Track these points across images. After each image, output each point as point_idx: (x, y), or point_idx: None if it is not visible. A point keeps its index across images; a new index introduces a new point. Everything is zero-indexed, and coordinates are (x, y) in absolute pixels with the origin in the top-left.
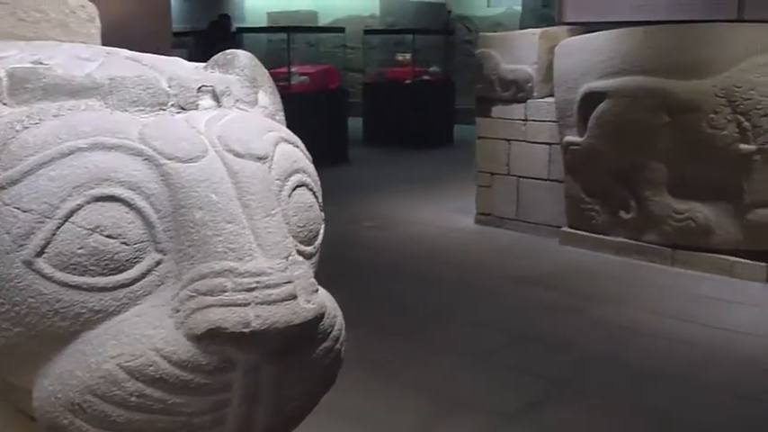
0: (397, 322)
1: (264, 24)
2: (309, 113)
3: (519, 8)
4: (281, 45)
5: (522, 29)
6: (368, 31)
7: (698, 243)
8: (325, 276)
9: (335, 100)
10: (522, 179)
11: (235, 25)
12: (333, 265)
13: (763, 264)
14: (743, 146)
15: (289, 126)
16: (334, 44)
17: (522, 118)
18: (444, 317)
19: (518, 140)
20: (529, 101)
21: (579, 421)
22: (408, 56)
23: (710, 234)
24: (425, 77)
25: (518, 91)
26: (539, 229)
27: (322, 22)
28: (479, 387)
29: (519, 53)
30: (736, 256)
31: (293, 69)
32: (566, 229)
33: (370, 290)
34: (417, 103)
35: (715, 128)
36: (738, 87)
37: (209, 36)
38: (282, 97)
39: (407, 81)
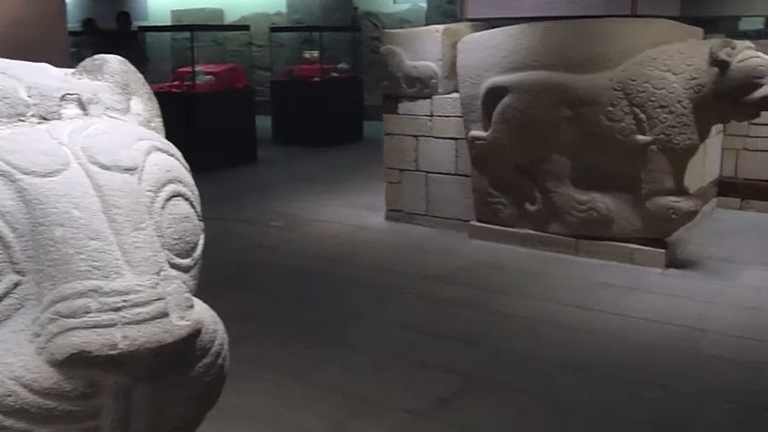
0: (306, 323)
1: (168, 23)
2: (216, 113)
3: (424, 5)
4: (187, 44)
5: (427, 25)
6: (274, 29)
7: (600, 232)
8: (231, 278)
9: (242, 99)
10: (430, 175)
11: (135, 24)
12: (239, 267)
13: (661, 250)
14: (639, 137)
15: (196, 126)
16: (242, 42)
17: (428, 114)
18: (355, 316)
19: (425, 136)
20: (434, 97)
21: (489, 415)
22: (316, 53)
23: (611, 223)
24: (333, 75)
25: (423, 87)
26: (448, 223)
27: (228, 19)
28: (391, 385)
29: (423, 50)
30: (636, 244)
31: (198, 69)
32: (474, 222)
33: (278, 291)
34: (326, 100)
35: (613, 120)
36: (633, 80)
37: (98, 35)
38: (188, 97)
39: (315, 79)
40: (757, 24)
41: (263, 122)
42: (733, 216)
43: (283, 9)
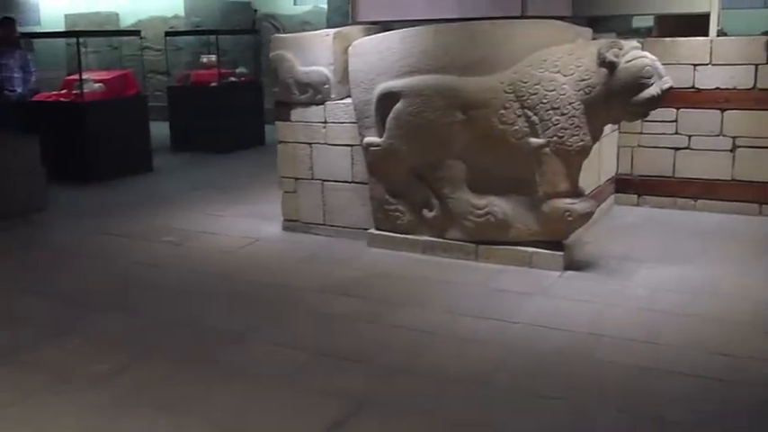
0: (189, 348)
1: (62, 28)
2: (106, 122)
3: (325, 6)
4: (82, 50)
5: (329, 27)
6: (169, 33)
7: (498, 237)
8: (112, 300)
9: (134, 106)
10: (326, 183)
11: (19, 30)
12: (123, 288)
13: (559, 253)
14: (532, 140)
15: (85, 136)
16: (138, 47)
17: (322, 121)
18: (242, 337)
19: (319, 143)
20: (327, 103)
21: None
22: (213, 57)
23: (509, 227)
24: (232, 79)
25: (315, 93)
26: (347, 232)
27: (124, 23)
28: (277, 414)
29: (314, 54)
30: (534, 247)
31: (87, 76)
32: (373, 231)
33: (163, 313)
34: (225, 105)
35: (506, 123)
36: (524, 83)
37: None
38: (76, 106)
39: (213, 84)
40: (649, 21)
41: (163, 130)
42: (630, 212)
43: (181, 12)
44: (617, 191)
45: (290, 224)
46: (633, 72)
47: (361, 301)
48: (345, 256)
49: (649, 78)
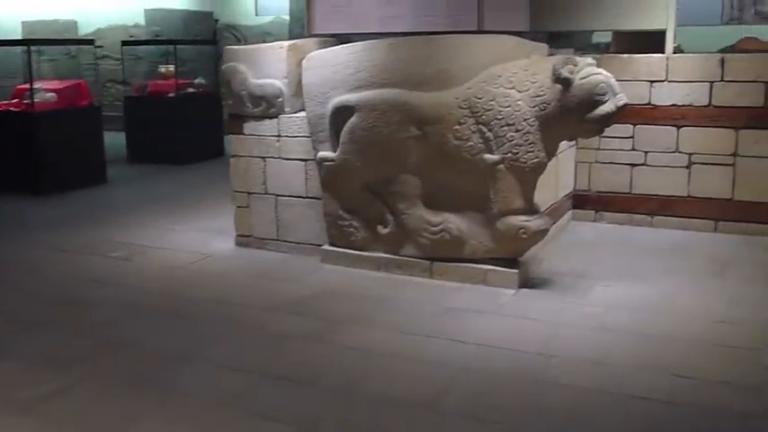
0: (132, 370)
1: (20, 35)
2: (58, 133)
3: (287, 17)
4: (38, 58)
5: (291, 38)
6: (126, 42)
7: (453, 254)
8: (53, 320)
9: (87, 117)
10: (280, 198)
11: None
12: (66, 306)
13: (514, 271)
14: (487, 156)
15: (35, 148)
16: (97, 56)
17: (276, 134)
18: (186, 358)
19: (273, 158)
20: (281, 116)
21: None
22: (171, 68)
23: (464, 244)
24: (190, 90)
25: (269, 107)
26: (301, 248)
27: (83, 32)
28: None
29: (267, 67)
30: (489, 265)
31: (39, 86)
32: (327, 247)
33: (106, 333)
34: (182, 116)
35: (460, 139)
36: (479, 98)
37: None
38: (26, 116)
39: (170, 94)
40: (608, 37)
41: (121, 140)
42: (587, 228)
43: (142, 21)
44: (574, 207)
45: (243, 240)
46: (587, 89)
47: (311, 320)
48: (298, 272)
49: (604, 95)
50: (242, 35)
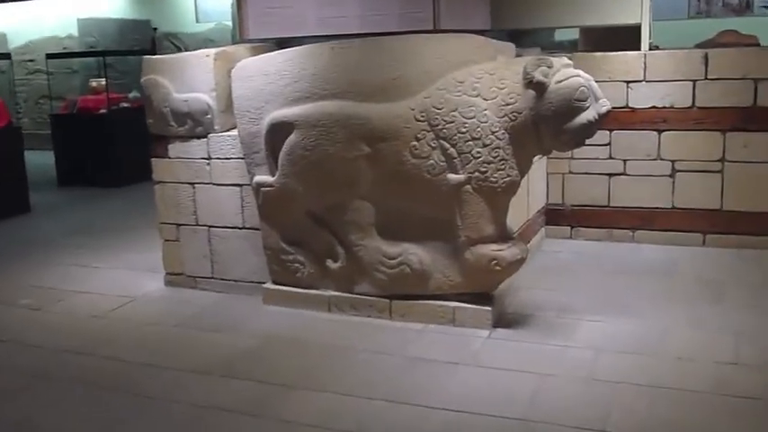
0: None
1: None
2: None
3: (229, 23)
4: None
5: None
6: (51, 55)
7: (415, 290)
8: None
9: (5, 139)
10: (213, 229)
11: None
12: None
13: (487, 308)
14: (451, 176)
15: None
16: (29, 70)
17: (205, 156)
18: None
19: (203, 183)
20: (210, 136)
21: None
22: (103, 81)
23: (427, 279)
24: (124, 105)
25: (196, 125)
26: (239, 287)
27: (13, 45)
28: None
29: (193, 79)
30: (457, 302)
31: None
32: (269, 285)
33: None
34: (115, 134)
35: (419, 157)
36: (439, 108)
37: None
38: None
39: (102, 110)
40: (572, 35)
41: (52, 161)
42: (563, 246)
43: (75, 32)
44: (547, 223)
45: (173, 278)
46: (565, 94)
47: (247, 383)
48: (235, 318)
49: (584, 101)
50: (182, 43)
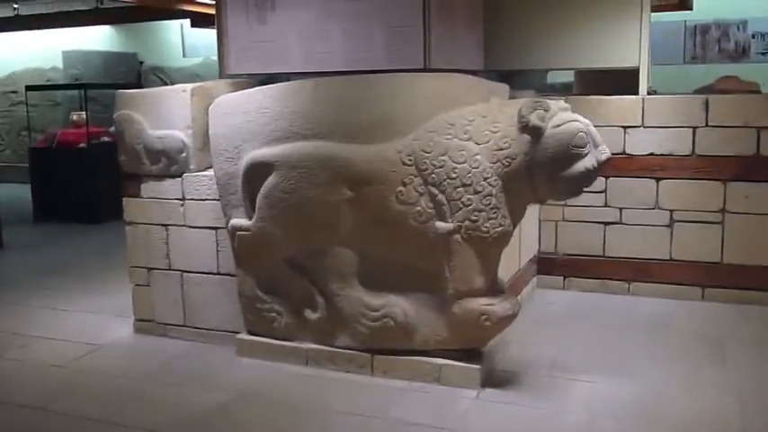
0: None
1: None
2: None
3: (216, 58)
4: None
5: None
6: (30, 87)
7: (399, 345)
8: None
9: None
10: (187, 274)
11: None
12: None
13: (476, 366)
14: (439, 224)
15: None
16: (12, 101)
17: (180, 197)
18: None
19: (177, 225)
20: (185, 175)
21: None
22: (84, 114)
23: (413, 333)
24: (105, 139)
25: (171, 163)
26: (212, 336)
27: None
28: None
29: (168, 115)
30: (444, 358)
31: None
32: (243, 336)
33: None
34: (94, 169)
35: (405, 203)
36: (427, 152)
37: None
38: None
39: (81, 144)
40: (565, 77)
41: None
42: (556, 297)
43: (59, 64)
44: (539, 272)
45: (143, 325)
46: (563, 139)
47: None
48: (206, 371)
49: (583, 147)
50: (168, 78)
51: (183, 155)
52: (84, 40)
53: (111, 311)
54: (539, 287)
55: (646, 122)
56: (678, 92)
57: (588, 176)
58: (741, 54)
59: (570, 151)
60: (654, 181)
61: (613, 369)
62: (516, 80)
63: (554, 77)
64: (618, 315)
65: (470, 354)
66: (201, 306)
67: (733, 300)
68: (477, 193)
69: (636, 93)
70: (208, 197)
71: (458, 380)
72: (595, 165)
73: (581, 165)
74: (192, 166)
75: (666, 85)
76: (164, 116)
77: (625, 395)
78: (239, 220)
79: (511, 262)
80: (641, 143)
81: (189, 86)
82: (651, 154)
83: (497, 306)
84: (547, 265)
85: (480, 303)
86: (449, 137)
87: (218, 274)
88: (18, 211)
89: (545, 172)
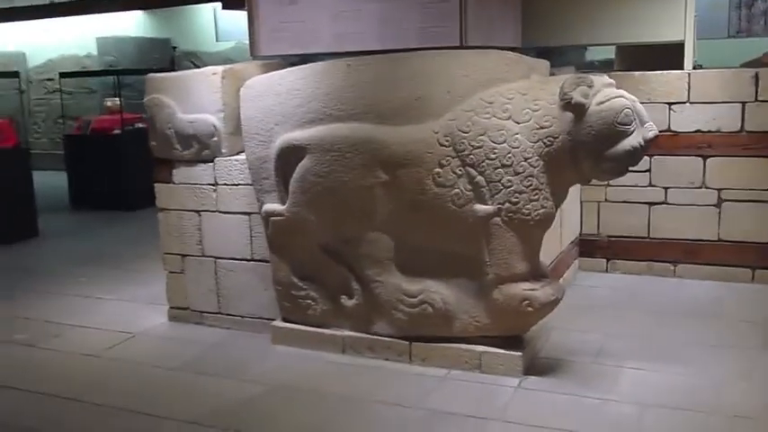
0: None
1: None
2: None
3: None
4: None
5: None
6: (64, 74)
7: (437, 332)
8: None
9: (12, 160)
10: (220, 261)
11: None
12: None
13: (518, 353)
14: (478, 206)
15: None
16: (48, 89)
17: (212, 182)
18: None
19: (210, 211)
20: (217, 160)
21: None
22: (118, 101)
23: (451, 320)
24: (139, 125)
25: (202, 148)
26: (247, 323)
27: (32, 63)
28: None
29: (199, 99)
30: (484, 345)
31: None
32: (278, 323)
33: None
34: (129, 156)
35: (442, 185)
36: (465, 132)
37: None
38: None
39: (116, 131)
40: (605, 54)
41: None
42: (599, 281)
43: (94, 51)
44: (581, 254)
45: (178, 313)
46: (607, 117)
47: None
48: (241, 360)
49: (628, 125)
50: (202, 62)
51: (215, 139)
52: (118, 27)
53: (146, 300)
54: (581, 270)
55: (692, 98)
56: (725, 66)
57: (634, 155)
58: None
59: (615, 129)
60: (701, 159)
61: (662, 356)
62: (554, 57)
63: (593, 54)
64: (664, 299)
65: (512, 341)
66: (236, 293)
67: None
68: (517, 174)
69: (680, 68)
70: (240, 182)
71: (499, 368)
72: (642, 143)
73: (626, 143)
74: (223, 151)
75: (711, 60)
76: (194, 100)
77: (675, 384)
78: (272, 205)
79: (552, 245)
80: (687, 120)
81: (219, 69)
82: (698, 131)
83: (540, 291)
84: (589, 247)
85: (522, 288)
86: (487, 116)
87: (252, 260)
88: (54, 198)
89: (589, 151)
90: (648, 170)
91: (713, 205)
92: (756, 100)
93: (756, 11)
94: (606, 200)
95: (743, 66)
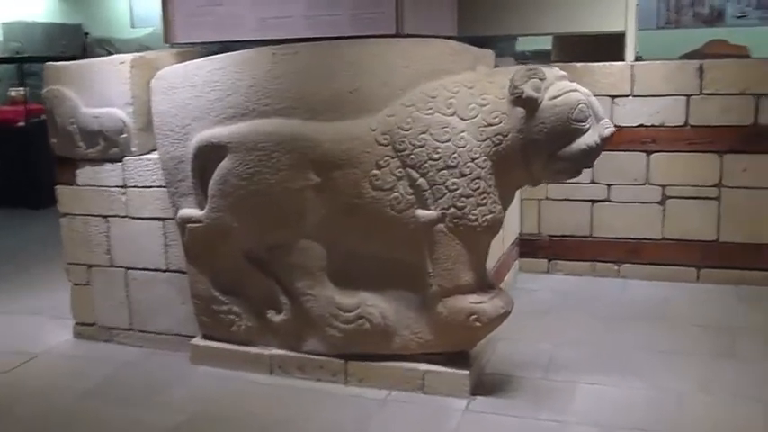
0: None
1: None
2: None
3: None
4: None
5: None
6: None
7: (376, 349)
8: None
9: None
10: (131, 271)
11: None
12: None
13: (464, 371)
14: (421, 212)
15: None
16: None
17: (121, 184)
18: None
19: (119, 216)
20: (126, 159)
21: None
22: (23, 91)
23: (392, 336)
24: (45, 117)
25: (109, 145)
26: (163, 341)
27: None
28: None
29: (105, 90)
30: (427, 363)
31: None
32: (198, 341)
33: None
34: (34, 150)
35: (381, 189)
36: (405, 129)
37: None
38: None
39: (20, 123)
40: (537, 44)
41: None
42: (541, 283)
43: None
44: (521, 255)
45: (84, 329)
46: (561, 113)
47: None
48: (156, 383)
49: (584, 122)
50: (116, 50)
51: (124, 136)
52: (26, 12)
53: (50, 313)
54: (521, 271)
55: (635, 91)
56: (664, 58)
57: (590, 155)
58: (716, 18)
59: (570, 126)
60: (644, 154)
61: (615, 367)
62: (485, 48)
63: (524, 44)
64: (610, 301)
65: (457, 357)
66: (149, 307)
67: (730, 280)
68: (463, 175)
69: (621, 59)
70: (153, 184)
71: (444, 388)
72: (598, 141)
73: (582, 141)
74: (133, 149)
75: (644, 52)
76: (100, 92)
77: (635, 399)
78: (189, 211)
79: (495, 246)
80: (631, 114)
81: (128, 57)
82: (641, 125)
83: (488, 304)
84: (530, 247)
85: (469, 302)
86: (430, 111)
87: (168, 270)
88: None
89: (541, 150)
90: (591, 167)
91: (657, 202)
92: (701, 93)
93: (685, 2)
94: (547, 198)
95: (683, 57)
